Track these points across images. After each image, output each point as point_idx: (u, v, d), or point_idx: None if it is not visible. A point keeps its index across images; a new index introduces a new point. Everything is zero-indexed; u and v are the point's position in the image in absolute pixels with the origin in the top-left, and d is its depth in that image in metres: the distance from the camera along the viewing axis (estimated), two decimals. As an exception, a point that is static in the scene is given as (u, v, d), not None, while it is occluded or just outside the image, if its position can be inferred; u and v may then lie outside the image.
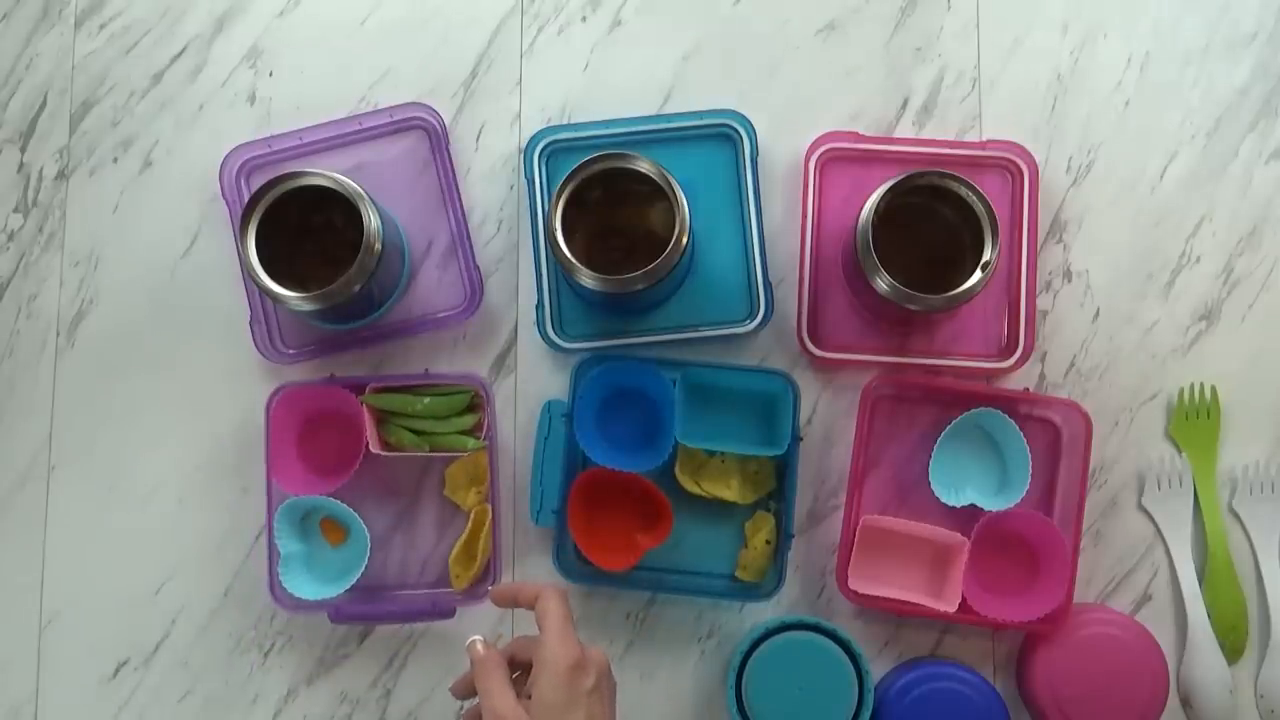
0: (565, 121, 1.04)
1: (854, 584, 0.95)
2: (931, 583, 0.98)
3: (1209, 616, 0.98)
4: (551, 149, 1.02)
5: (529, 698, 0.77)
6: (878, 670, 0.98)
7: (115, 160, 1.06)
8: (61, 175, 1.06)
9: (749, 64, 1.05)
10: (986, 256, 0.91)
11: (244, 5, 1.08)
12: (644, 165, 0.92)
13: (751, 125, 1.01)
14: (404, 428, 0.98)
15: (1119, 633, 0.95)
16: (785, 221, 1.03)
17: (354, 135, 1.03)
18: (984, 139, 1.03)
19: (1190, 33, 1.05)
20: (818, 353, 0.99)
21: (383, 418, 0.99)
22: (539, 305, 1.00)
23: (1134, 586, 1.00)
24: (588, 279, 0.92)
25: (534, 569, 1.00)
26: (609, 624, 1.00)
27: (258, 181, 1.00)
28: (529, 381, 1.02)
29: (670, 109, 1.04)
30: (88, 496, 1.03)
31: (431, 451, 0.98)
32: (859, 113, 1.04)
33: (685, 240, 0.91)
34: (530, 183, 1.01)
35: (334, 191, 0.93)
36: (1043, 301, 1.02)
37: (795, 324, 0.99)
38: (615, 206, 0.96)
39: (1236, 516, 1.00)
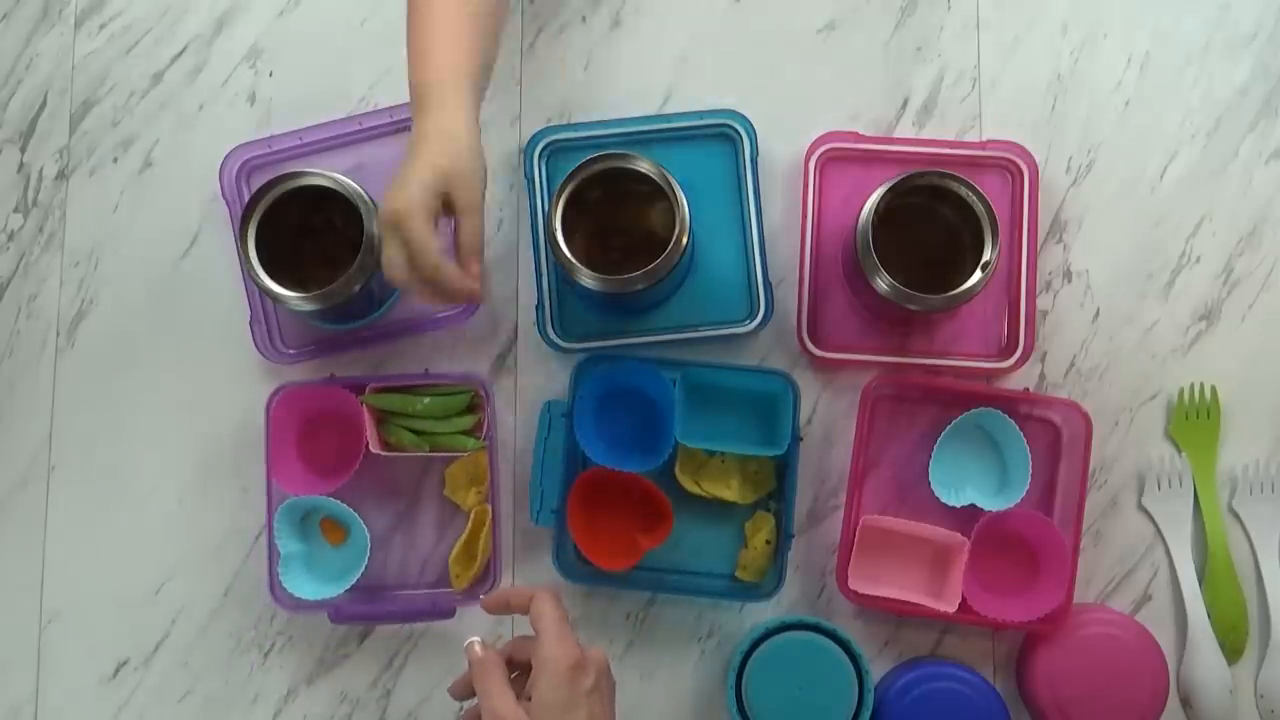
0: (565, 121, 1.04)
1: (854, 584, 0.95)
2: (931, 583, 0.98)
3: (1209, 616, 0.98)
4: (551, 149, 1.02)
5: (528, 699, 0.78)
6: (878, 670, 0.98)
7: (115, 160, 1.06)
8: (61, 175, 1.06)
9: (749, 64, 1.05)
10: (986, 256, 0.91)
11: (244, 5, 1.08)
12: (644, 165, 0.92)
13: (751, 125, 1.01)
14: (404, 428, 0.98)
15: (1119, 633, 0.95)
16: (785, 221, 1.03)
17: (354, 135, 1.03)
18: (984, 139, 1.03)
19: (1190, 33, 1.05)
20: (818, 353, 0.99)
21: (383, 418, 0.99)
22: (539, 305, 1.00)
23: (1134, 586, 1.00)
24: (588, 279, 0.92)
25: (534, 569, 1.00)
26: (609, 624, 1.00)
27: (258, 181, 1.00)
28: (529, 381, 1.02)
29: (670, 109, 1.04)
30: (88, 496, 1.03)
31: (431, 451, 0.98)
32: (859, 113, 1.04)
33: (685, 240, 0.92)
34: (530, 183, 1.01)
35: (334, 191, 0.93)
36: (1043, 301, 1.02)
37: (795, 324, 0.99)
38: (615, 206, 0.96)
39: (1236, 516, 1.00)
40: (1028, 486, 0.95)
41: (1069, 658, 0.94)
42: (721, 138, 1.02)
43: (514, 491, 1.01)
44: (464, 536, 0.98)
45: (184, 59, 1.07)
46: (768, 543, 0.98)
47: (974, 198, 0.92)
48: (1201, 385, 1.00)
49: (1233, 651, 0.98)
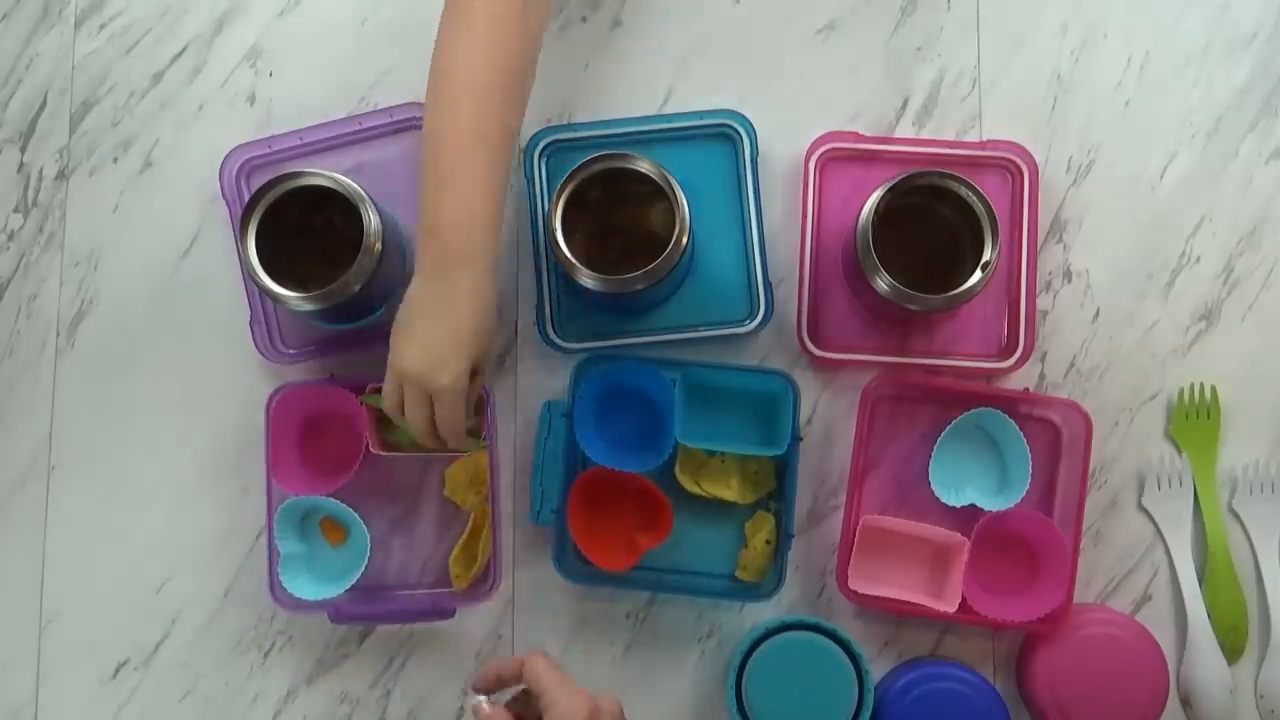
0: (565, 121, 1.04)
1: (854, 584, 0.95)
2: (931, 583, 0.98)
3: (1209, 616, 0.98)
4: (551, 149, 1.02)
5: None
6: (878, 670, 0.98)
7: (115, 160, 1.06)
8: (61, 175, 1.06)
9: (749, 64, 1.05)
10: (986, 256, 0.91)
11: (244, 5, 1.08)
12: (644, 165, 0.92)
13: (751, 125, 1.01)
14: (404, 428, 0.98)
15: (1119, 633, 0.95)
16: (785, 221, 1.03)
17: (354, 135, 1.03)
18: (984, 139, 1.03)
19: (1190, 33, 1.05)
20: (818, 353, 0.99)
21: (382, 418, 0.99)
22: (539, 305, 1.00)
23: (1134, 586, 1.00)
24: (588, 279, 0.92)
25: (534, 569, 1.00)
26: (609, 624, 1.00)
27: (258, 181, 1.00)
28: (529, 381, 1.02)
29: (670, 109, 1.04)
30: (88, 496, 1.03)
31: (431, 451, 0.98)
32: (859, 113, 1.04)
33: (685, 240, 0.92)
34: (530, 182, 1.01)
35: (334, 191, 0.93)
36: (1043, 301, 1.02)
37: (795, 324, 0.99)
38: (615, 206, 0.96)
39: (1236, 516, 1.00)
40: (1028, 486, 0.95)
41: (1069, 658, 0.94)
42: (721, 138, 1.02)
43: (514, 492, 1.01)
44: (464, 537, 0.98)
45: (184, 59, 1.07)
46: (768, 543, 0.98)
47: (974, 198, 0.92)
48: (1201, 385, 1.00)
49: (1233, 651, 0.98)
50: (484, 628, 1.00)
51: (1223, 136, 1.04)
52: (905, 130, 1.04)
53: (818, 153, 1.01)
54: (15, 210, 1.06)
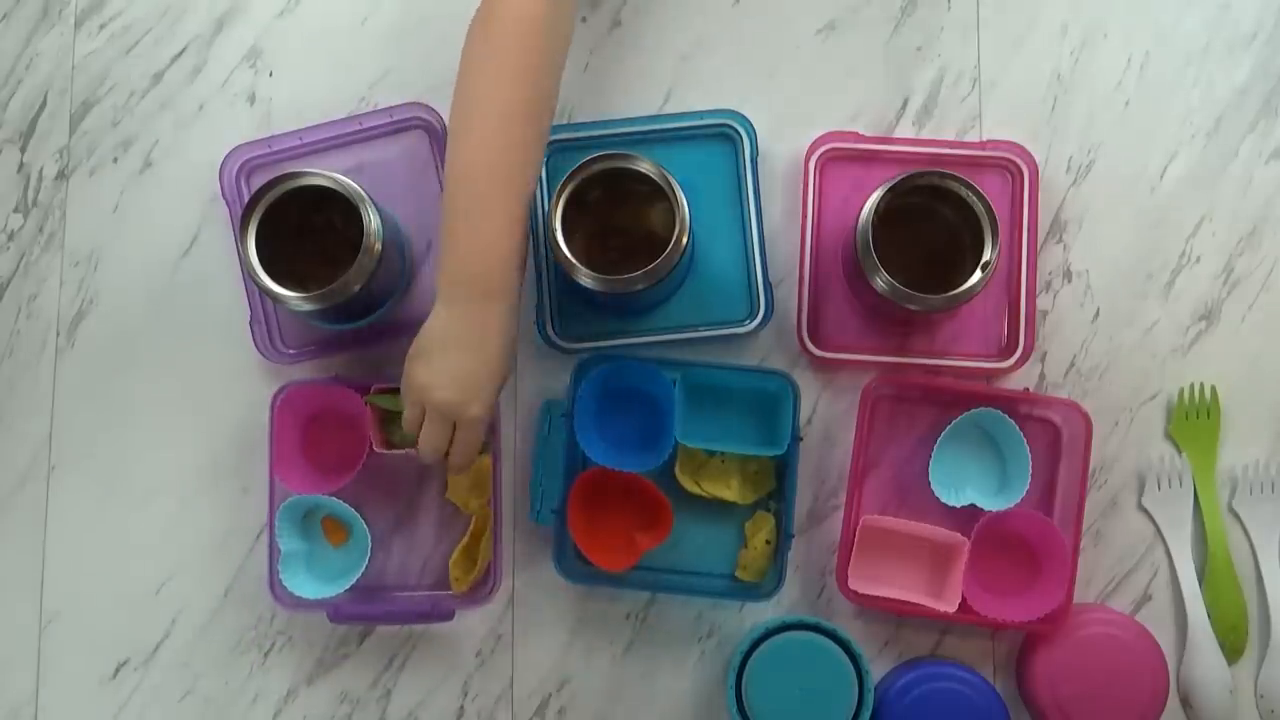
0: (565, 121, 1.04)
1: (854, 584, 0.95)
2: (931, 583, 0.98)
3: (1209, 616, 0.98)
4: (551, 149, 1.02)
5: None
6: (878, 670, 0.98)
7: (115, 160, 1.06)
8: (61, 175, 1.06)
9: (749, 64, 1.05)
10: (986, 256, 0.91)
11: (244, 5, 1.08)
12: (644, 165, 0.92)
13: (751, 125, 1.01)
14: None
15: (1119, 633, 0.95)
16: (785, 221, 1.03)
17: (354, 135, 1.03)
18: (984, 139, 1.03)
19: (1190, 33, 1.05)
20: (818, 353, 0.99)
21: (387, 417, 0.99)
22: (539, 305, 1.00)
23: (1134, 586, 1.00)
24: (588, 279, 0.92)
25: (534, 569, 1.00)
26: (609, 624, 1.00)
27: (258, 181, 1.00)
28: (529, 381, 1.02)
29: (670, 109, 1.04)
30: (88, 496, 1.03)
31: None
32: (859, 113, 1.04)
33: (685, 240, 0.92)
34: (530, 183, 1.01)
35: (334, 191, 0.93)
36: (1043, 301, 1.02)
37: (795, 324, 0.99)
38: (615, 206, 0.96)
39: (1236, 516, 1.00)
40: (1028, 486, 0.95)
41: (1069, 658, 0.94)
42: (721, 138, 1.02)
43: (514, 492, 1.01)
44: (465, 540, 0.98)
45: (184, 59, 1.07)
46: (768, 543, 0.98)
47: (974, 198, 0.92)
48: (1201, 385, 1.00)
49: (1233, 651, 0.98)
50: (484, 628, 1.00)
51: (1223, 136, 1.04)
52: (905, 130, 1.04)
53: (818, 153, 1.01)
54: (15, 210, 1.06)
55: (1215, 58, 1.05)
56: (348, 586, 0.96)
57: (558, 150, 1.02)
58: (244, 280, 1.01)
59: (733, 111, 1.02)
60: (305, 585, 0.97)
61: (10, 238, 1.06)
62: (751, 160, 1.01)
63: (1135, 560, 1.00)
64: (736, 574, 0.99)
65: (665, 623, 1.00)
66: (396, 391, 0.98)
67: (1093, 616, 0.96)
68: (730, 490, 0.98)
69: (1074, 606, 0.94)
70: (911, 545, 0.97)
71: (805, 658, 0.92)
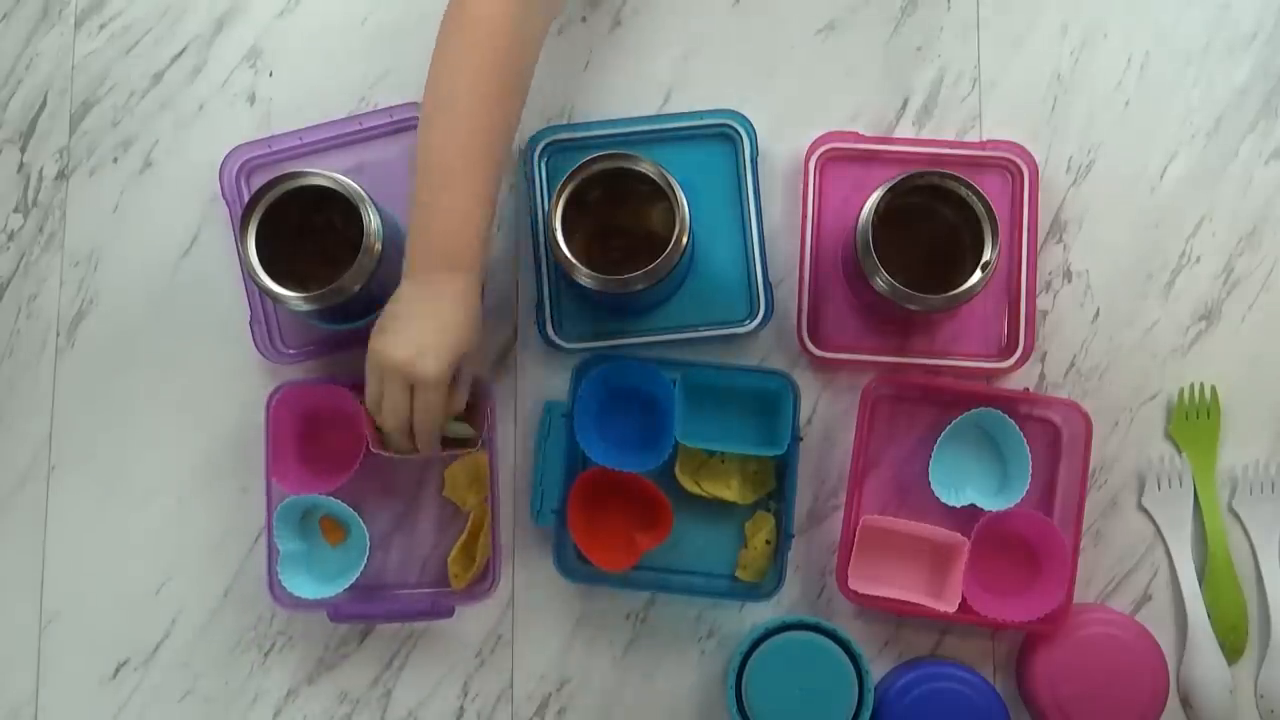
0: (565, 121, 1.04)
1: (854, 584, 0.95)
2: (931, 583, 0.98)
3: (1209, 616, 0.98)
4: (551, 149, 1.02)
5: None
6: (878, 670, 0.98)
7: (115, 160, 1.06)
8: (61, 175, 1.06)
9: (749, 64, 1.05)
10: (986, 256, 0.91)
11: (244, 5, 1.08)
12: (644, 165, 0.92)
13: (751, 125, 1.01)
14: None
15: (1119, 633, 0.95)
16: (785, 221, 1.03)
17: (354, 135, 1.03)
18: (984, 139, 1.03)
19: (1190, 33, 1.05)
20: (818, 353, 0.99)
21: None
22: (539, 305, 1.00)
23: (1134, 586, 1.00)
24: (588, 279, 0.92)
25: (534, 569, 1.00)
26: (609, 624, 1.00)
27: (258, 181, 1.00)
28: (529, 381, 1.02)
29: (670, 109, 1.04)
30: (88, 496, 1.03)
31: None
32: (859, 113, 1.04)
33: (685, 240, 0.92)
34: (530, 182, 1.01)
35: (334, 191, 0.93)
36: (1043, 301, 1.02)
37: (795, 324, 0.99)
38: (615, 206, 0.96)
39: (1236, 516, 1.00)
40: (1028, 486, 0.95)
41: (1069, 658, 0.94)
42: (721, 138, 1.02)
43: (514, 491, 1.01)
44: (463, 537, 0.98)
45: (184, 59, 1.07)
46: (768, 543, 0.98)
47: (974, 198, 0.92)
48: (1201, 385, 1.00)
49: (1233, 651, 0.98)
50: (484, 627, 1.00)
51: (1223, 136, 1.04)
52: (905, 130, 1.04)
53: (818, 153, 1.01)
54: (15, 210, 1.06)
55: (1215, 58, 1.05)
56: (347, 586, 0.96)
57: (558, 150, 1.02)
58: (244, 280, 1.01)
59: (733, 111, 1.02)
60: (304, 585, 0.97)
61: (10, 238, 1.06)
62: (751, 160, 1.01)
63: (1135, 560, 1.00)
64: (736, 574, 0.99)
65: (665, 623, 1.00)
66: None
67: (1093, 616, 0.96)
68: (730, 490, 0.98)
69: (1074, 606, 0.94)
70: (911, 545, 0.97)
71: (805, 658, 0.92)
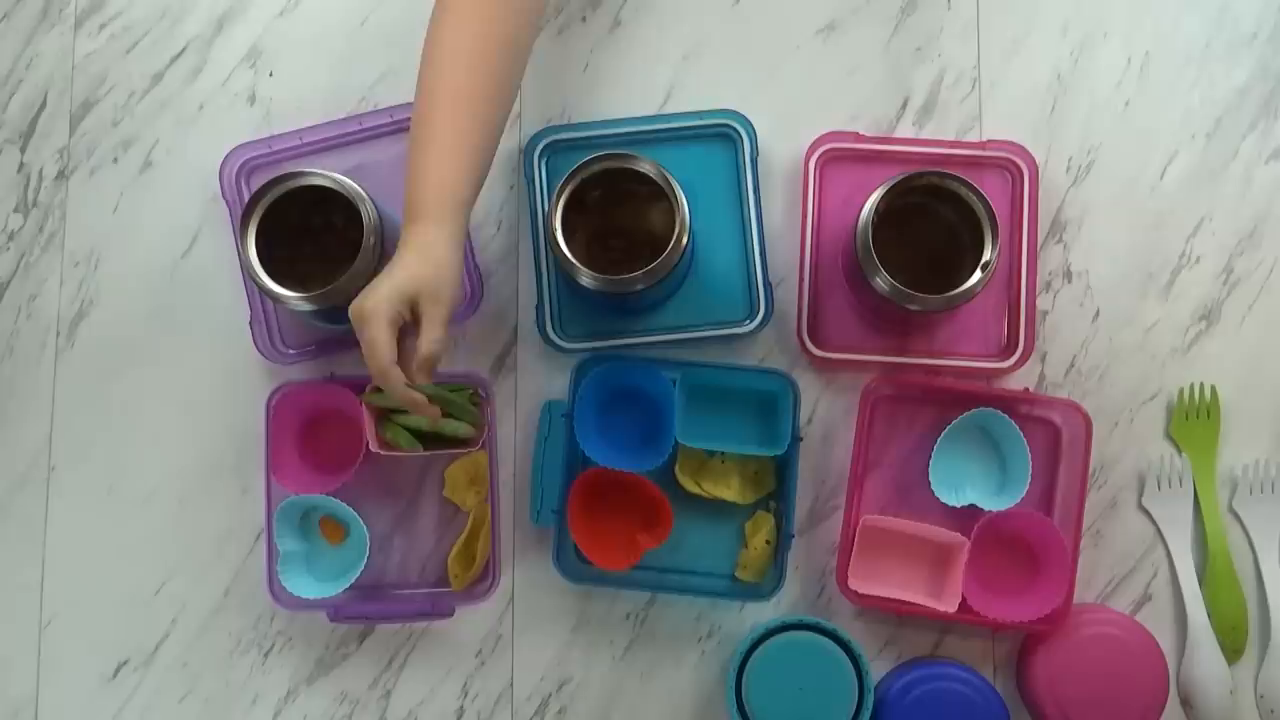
0: (565, 121, 1.04)
1: (854, 584, 0.95)
2: (931, 583, 0.98)
3: (1209, 616, 0.98)
4: (551, 149, 1.02)
5: None
6: (878, 670, 0.98)
7: (115, 160, 1.06)
8: (61, 175, 1.06)
9: (749, 64, 1.05)
10: (986, 256, 0.91)
11: (244, 5, 1.08)
12: (644, 165, 0.92)
13: (751, 125, 1.01)
14: (401, 426, 0.98)
15: (1119, 633, 0.95)
16: (785, 221, 1.03)
17: (354, 135, 1.03)
18: (984, 139, 1.03)
19: (1190, 33, 1.05)
20: (818, 353, 0.99)
21: (382, 417, 0.99)
22: (539, 305, 1.00)
23: (1134, 586, 1.00)
24: (588, 279, 0.92)
25: (534, 569, 1.00)
26: (609, 624, 1.00)
27: (258, 181, 1.00)
28: (529, 381, 1.02)
29: (670, 109, 1.04)
30: (88, 496, 1.03)
31: (430, 451, 0.98)
32: (859, 113, 1.04)
33: (685, 240, 0.92)
34: (530, 183, 1.02)
35: (334, 191, 0.93)
36: (1043, 301, 1.02)
37: (795, 324, 0.99)
38: (615, 206, 0.96)
39: (1236, 516, 1.00)
40: (1028, 486, 0.95)
41: (1069, 658, 0.94)
42: (721, 138, 1.02)
43: (514, 491, 1.01)
44: (463, 537, 0.98)
45: (184, 59, 1.07)
46: (768, 543, 0.98)
47: (974, 198, 0.92)
48: (1201, 385, 1.00)
49: (1233, 651, 0.98)
50: (483, 627, 1.00)
51: (1223, 136, 1.04)
52: (905, 130, 1.04)
53: (818, 153, 1.01)
54: (15, 210, 1.06)
55: (1215, 58, 1.05)
56: (347, 586, 0.96)
57: (558, 150, 1.02)
58: (244, 280, 1.01)
59: (733, 111, 1.02)
60: (304, 585, 0.97)
61: (10, 238, 1.06)
62: (751, 160, 1.01)
63: (1135, 560, 1.00)
64: (736, 574, 0.99)
65: (665, 623, 1.00)
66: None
67: (1093, 616, 0.96)
68: (730, 490, 0.98)
69: (1074, 606, 0.94)
70: (911, 545, 0.97)
71: (805, 658, 0.92)
